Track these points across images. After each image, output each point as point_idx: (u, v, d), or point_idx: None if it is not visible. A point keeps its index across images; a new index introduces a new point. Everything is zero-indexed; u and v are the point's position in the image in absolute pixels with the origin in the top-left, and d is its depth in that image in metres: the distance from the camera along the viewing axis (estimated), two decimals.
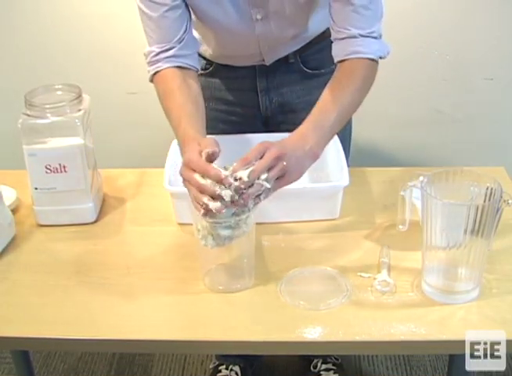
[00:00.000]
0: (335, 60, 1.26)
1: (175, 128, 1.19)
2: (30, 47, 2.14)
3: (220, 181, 0.98)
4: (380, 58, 1.25)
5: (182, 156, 1.11)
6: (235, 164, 1.01)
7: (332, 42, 1.26)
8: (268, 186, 1.01)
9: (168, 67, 1.26)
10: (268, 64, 1.44)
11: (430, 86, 2.17)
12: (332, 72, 1.25)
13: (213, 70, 1.48)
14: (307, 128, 1.14)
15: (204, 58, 1.48)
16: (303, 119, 1.42)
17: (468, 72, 2.14)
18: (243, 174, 0.99)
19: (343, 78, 1.22)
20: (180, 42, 1.26)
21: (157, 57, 1.26)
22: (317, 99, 1.21)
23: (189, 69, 1.28)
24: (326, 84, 1.23)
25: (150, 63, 1.28)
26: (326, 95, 1.20)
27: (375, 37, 1.23)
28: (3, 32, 2.13)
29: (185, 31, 1.26)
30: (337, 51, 1.25)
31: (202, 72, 1.49)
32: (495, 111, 2.21)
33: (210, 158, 1.03)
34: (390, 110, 2.22)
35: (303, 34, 1.38)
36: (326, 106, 1.17)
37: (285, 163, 1.04)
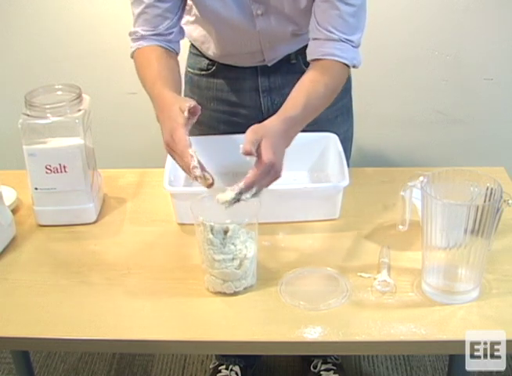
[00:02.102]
0: (308, 58, 1.27)
1: (150, 90, 1.21)
2: (31, 47, 2.14)
3: (188, 170, 1.03)
4: (353, 66, 1.27)
5: (158, 116, 1.15)
6: (241, 183, 1.02)
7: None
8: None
9: (150, 45, 1.28)
10: (269, 65, 1.44)
11: (430, 86, 2.17)
12: None
13: (215, 70, 1.48)
14: (288, 125, 1.14)
15: (206, 58, 1.48)
16: None
17: (468, 72, 2.14)
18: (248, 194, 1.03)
19: (320, 77, 1.22)
20: (166, 30, 1.29)
21: (141, 36, 1.29)
22: None
23: (170, 51, 1.31)
24: None
25: (133, 40, 1.31)
26: (303, 91, 1.20)
27: (353, 46, 1.25)
28: (3, 32, 2.13)
29: (172, 21, 1.29)
30: (314, 50, 1.26)
31: (204, 72, 1.49)
32: (495, 111, 2.21)
33: (195, 113, 1.08)
34: (390, 111, 2.22)
35: (304, 33, 1.38)
36: (307, 108, 1.17)
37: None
